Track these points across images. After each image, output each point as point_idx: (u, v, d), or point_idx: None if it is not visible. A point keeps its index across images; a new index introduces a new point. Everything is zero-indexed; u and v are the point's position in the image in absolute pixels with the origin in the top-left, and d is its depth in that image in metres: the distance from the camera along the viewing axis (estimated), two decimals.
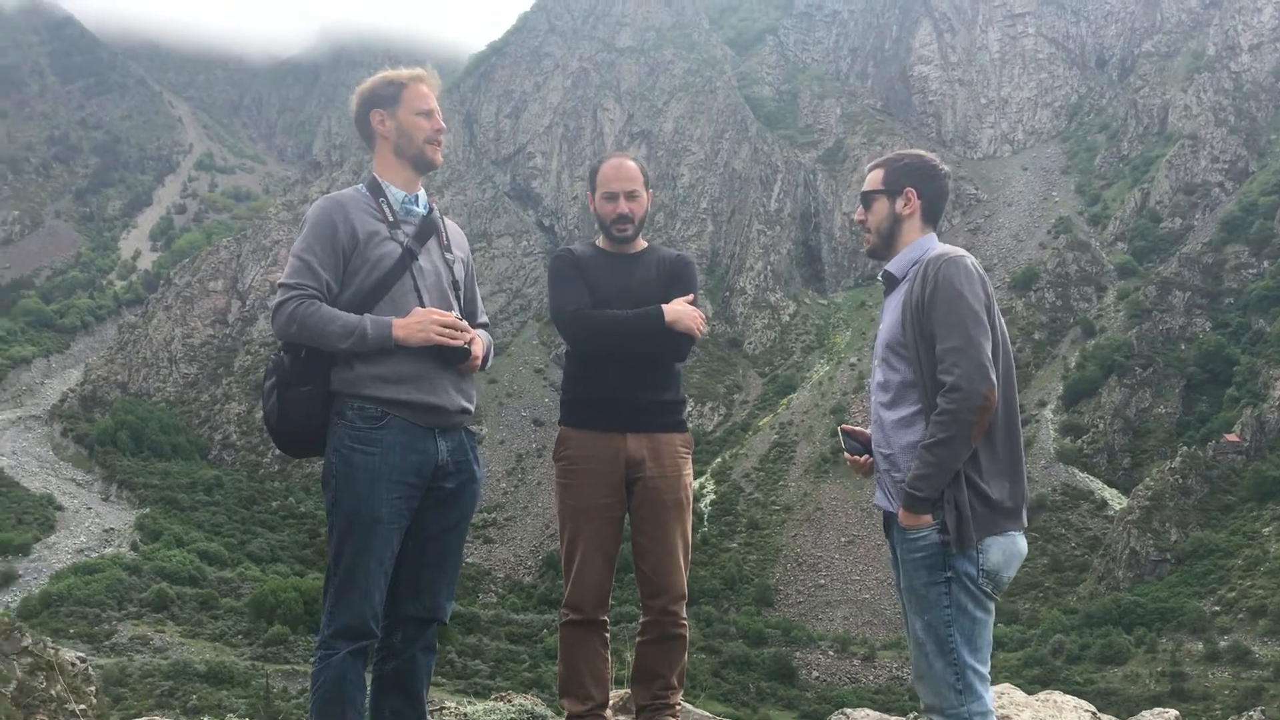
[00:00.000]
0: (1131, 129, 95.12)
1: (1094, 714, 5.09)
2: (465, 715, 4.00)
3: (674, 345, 3.91)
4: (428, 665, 3.51)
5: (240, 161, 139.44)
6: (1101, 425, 73.25)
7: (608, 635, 3.95)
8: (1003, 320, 3.30)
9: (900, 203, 3.42)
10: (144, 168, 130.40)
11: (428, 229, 3.65)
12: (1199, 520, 63.97)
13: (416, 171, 3.70)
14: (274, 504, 75.22)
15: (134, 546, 66.18)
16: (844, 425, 3.46)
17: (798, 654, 61.04)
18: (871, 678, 60.39)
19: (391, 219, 3.58)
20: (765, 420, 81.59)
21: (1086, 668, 54.33)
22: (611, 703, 4.05)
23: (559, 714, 4.25)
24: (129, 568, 61.72)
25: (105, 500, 73.53)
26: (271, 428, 3.46)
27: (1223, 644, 54.70)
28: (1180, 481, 65.11)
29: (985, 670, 3.13)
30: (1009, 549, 3.16)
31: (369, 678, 3.44)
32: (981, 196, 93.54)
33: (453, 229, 3.80)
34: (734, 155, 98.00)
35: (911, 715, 5.45)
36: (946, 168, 3.55)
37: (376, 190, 3.64)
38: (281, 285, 3.47)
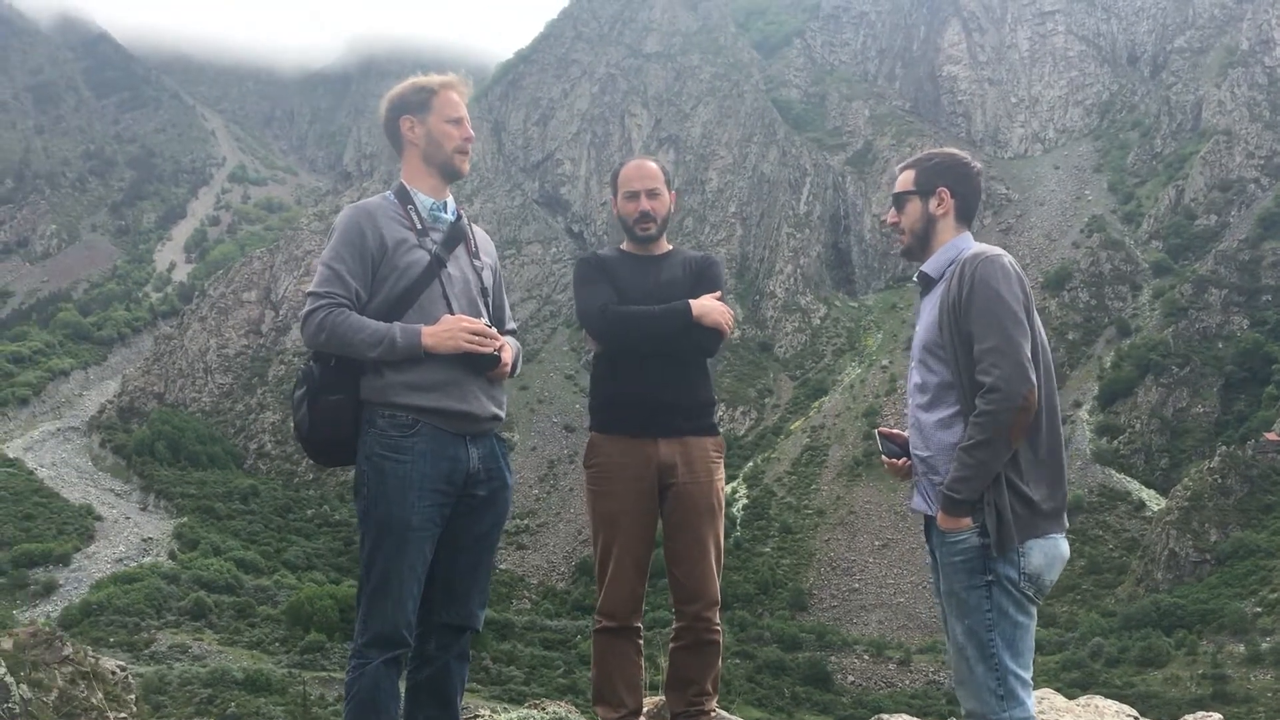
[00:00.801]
0: (1164, 126, 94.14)
1: (1136, 718, 5.01)
2: None
3: (703, 340, 3.89)
4: (462, 673, 3.50)
5: (272, 173, 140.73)
6: (1138, 425, 72.47)
7: (641, 642, 3.93)
8: (1040, 321, 3.25)
9: (934, 203, 3.38)
10: (178, 180, 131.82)
11: (456, 236, 3.64)
12: (1239, 520, 63.11)
13: (444, 179, 3.69)
14: (309, 512, 75.71)
15: (172, 555, 66.80)
16: (881, 428, 3.42)
17: (832, 658, 60.74)
18: (907, 682, 59.98)
19: (420, 226, 3.57)
20: (797, 424, 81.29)
21: (1126, 670, 53.74)
22: (645, 710, 4.02)
23: None
24: (167, 576, 62.28)
25: (143, 510, 74.29)
26: (302, 437, 3.46)
27: (1265, 645, 53.92)
28: (1219, 481, 64.28)
29: (1027, 675, 3.08)
30: (1050, 552, 3.11)
31: (403, 686, 3.43)
32: (1013, 196, 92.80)
33: (481, 236, 3.79)
34: (762, 159, 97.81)
35: None
36: (978, 165, 3.51)
37: (405, 197, 3.64)
38: (310, 294, 3.47)
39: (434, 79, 3.68)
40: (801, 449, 78.14)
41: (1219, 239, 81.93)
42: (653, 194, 4.01)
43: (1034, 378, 3.05)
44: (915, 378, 3.31)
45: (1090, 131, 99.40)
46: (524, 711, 4.11)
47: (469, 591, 3.48)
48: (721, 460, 4.02)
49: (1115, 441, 71.57)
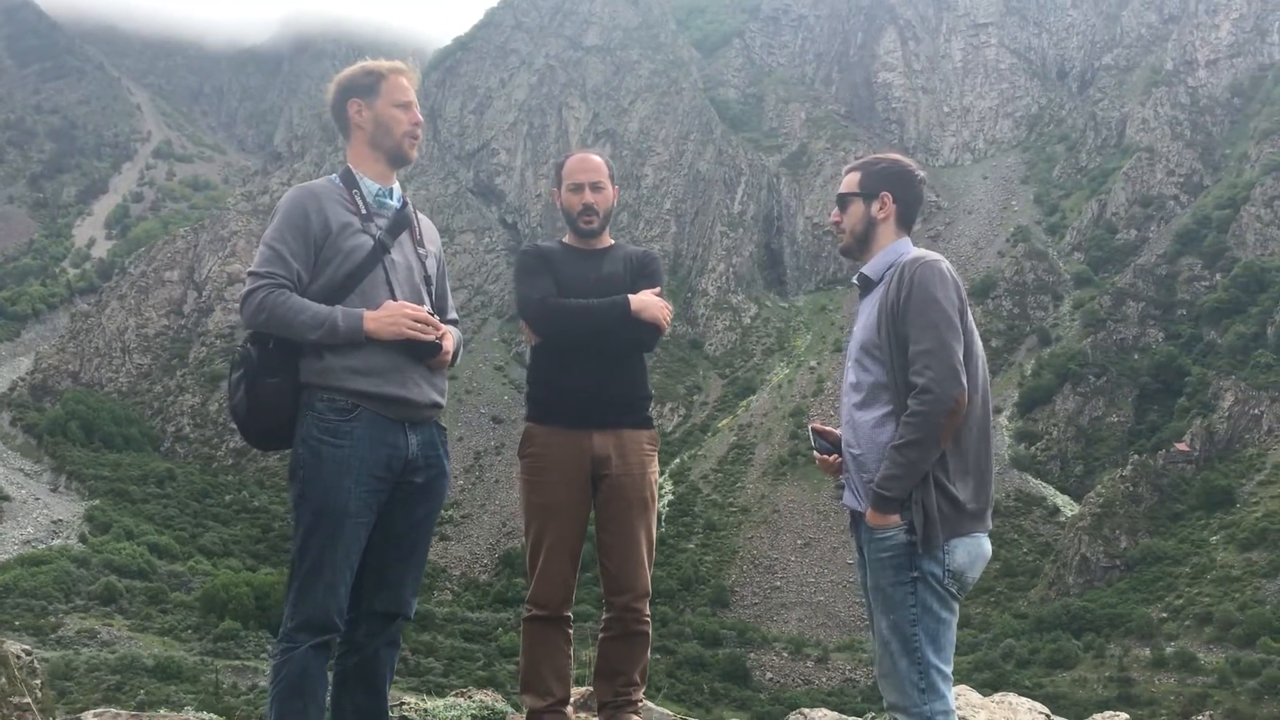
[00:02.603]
0: (1090, 140, 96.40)
1: (1047, 716, 5.15)
2: (426, 711, 3.97)
3: (641, 335, 3.92)
4: (391, 660, 3.49)
5: (199, 150, 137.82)
6: (1055, 432, 74.17)
7: (570, 632, 3.95)
8: (975, 326, 3.33)
9: (876, 206, 3.45)
10: (100, 154, 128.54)
11: (401, 223, 3.62)
12: (1148, 528, 64.93)
13: (391, 165, 3.67)
14: (227, 498, 74.43)
15: (83, 539, 65.22)
16: (814, 424, 3.48)
17: (752, 655, 61.29)
18: (825, 679, 60.75)
19: (364, 211, 3.55)
20: (725, 422, 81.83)
21: (1036, 672, 54.97)
22: (572, 699, 4.04)
23: (519, 710, 4.24)
24: (77, 560, 60.82)
25: (54, 491, 72.38)
26: (240, 421, 3.41)
27: (1169, 650, 55.53)
28: (1131, 489, 66.06)
29: (948, 670, 3.16)
30: (974, 550, 3.19)
31: (330, 673, 3.41)
32: (942, 204, 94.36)
33: (425, 224, 3.78)
34: (698, 157, 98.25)
35: (870, 716, 5.49)
36: (923, 173, 3.59)
37: (350, 181, 3.61)
38: (251, 274, 3.42)
39: (383, 64, 3.65)
40: (728, 447, 78.68)
41: (1138, 253, 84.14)
42: (596, 187, 4.03)
43: (964, 381, 3.13)
44: (851, 376, 3.38)
45: (1019, 143, 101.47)
46: (451, 700, 4.11)
47: (401, 579, 3.46)
48: (655, 454, 4.06)
49: (1033, 447, 73.17)
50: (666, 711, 4.19)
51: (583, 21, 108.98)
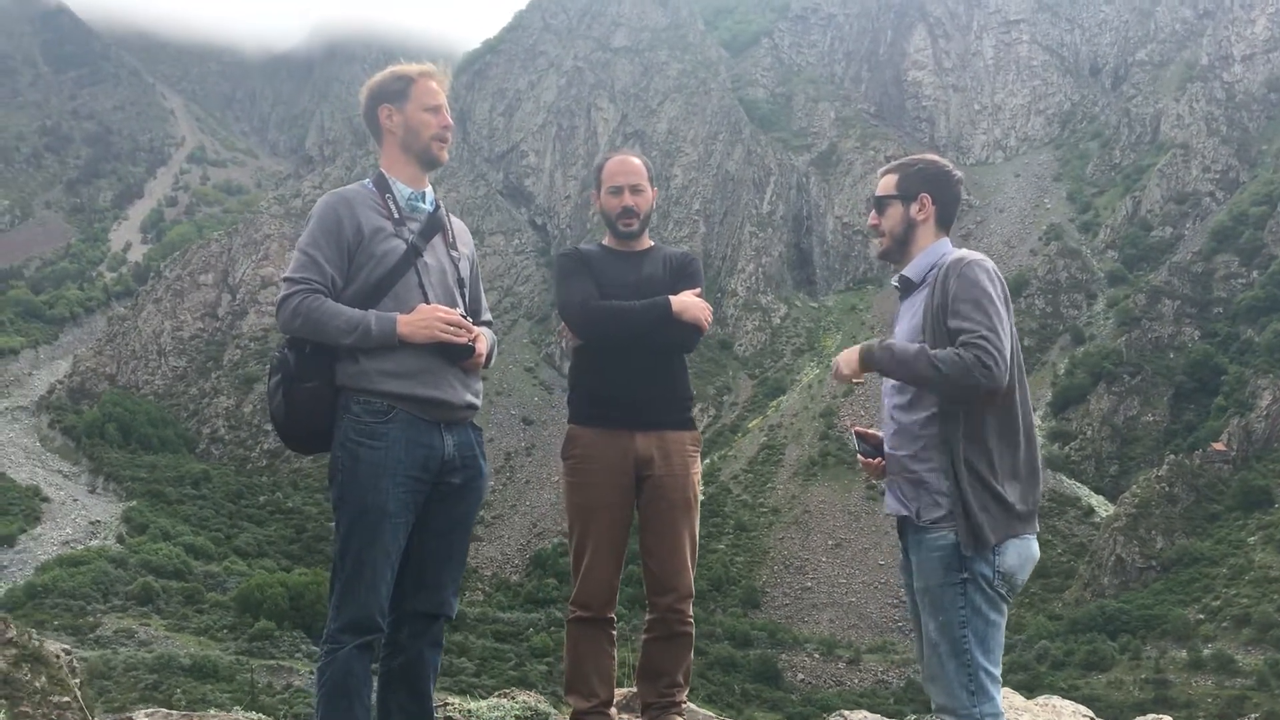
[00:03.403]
0: (1124, 137, 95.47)
1: (1091, 718, 5.11)
2: (470, 712, 3.99)
3: (682, 336, 3.93)
4: (434, 661, 3.51)
5: (232, 155, 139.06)
6: (1090, 432, 73.52)
7: (614, 633, 3.95)
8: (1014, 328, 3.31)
9: (915, 208, 3.43)
10: (135, 159, 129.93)
11: (433, 226, 3.64)
12: (1185, 529, 64.22)
13: (423, 168, 3.69)
14: (261, 499, 75.03)
15: (120, 539, 65.93)
16: (857, 427, 3.46)
17: (783, 656, 61.13)
18: (856, 681, 60.50)
19: (397, 215, 3.58)
20: (754, 422, 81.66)
21: (1071, 674, 54.53)
22: (615, 700, 4.05)
23: (561, 711, 4.25)
24: (115, 560, 61.48)
25: (92, 492, 73.26)
26: (279, 425, 3.45)
27: (1206, 652, 54.91)
28: (1167, 489, 65.35)
29: (997, 672, 3.14)
30: (1024, 552, 3.17)
31: (375, 675, 3.43)
32: (974, 202, 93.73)
33: (458, 226, 3.80)
34: (727, 157, 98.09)
35: (912, 718, 5.46)
36: (960, 173, 3.56)
37: (383, 186, 3.64)
38: (286, 279, 3.46)
39: (412, 67, 3.68)
40: (759, 447, 78.51)
41: (1173, 251, 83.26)
42: (636, 189, 4.04)
43: (1006, 373, 3.09)
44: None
45: (1051, 140, 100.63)
46: (494, 701, 4.12)
47: (441, 579, 3.48)
48: (698, 455, 4.05)
49: (1067, 447, 72.54)
50: (710, 714, 4.19)
51: (611, 23, 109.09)
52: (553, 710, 4.13)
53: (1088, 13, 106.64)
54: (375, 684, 3.42)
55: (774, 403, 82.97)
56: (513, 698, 4.19)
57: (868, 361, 3.22)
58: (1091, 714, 5.05)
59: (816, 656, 62.13)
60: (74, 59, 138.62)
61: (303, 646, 56.13)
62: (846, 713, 5.37)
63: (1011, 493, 3.15)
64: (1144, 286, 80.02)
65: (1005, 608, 3.17)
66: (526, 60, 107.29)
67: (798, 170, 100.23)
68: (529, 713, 4.02)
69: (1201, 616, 58.12)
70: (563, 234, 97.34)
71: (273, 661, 53.08)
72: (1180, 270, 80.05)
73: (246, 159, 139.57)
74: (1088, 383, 75.12)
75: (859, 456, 3.43)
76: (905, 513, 3.26)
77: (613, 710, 3.94)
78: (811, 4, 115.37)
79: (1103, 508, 68.68)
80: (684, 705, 3.99)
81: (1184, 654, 55.05)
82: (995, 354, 3.04)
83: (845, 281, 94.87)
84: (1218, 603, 58.40)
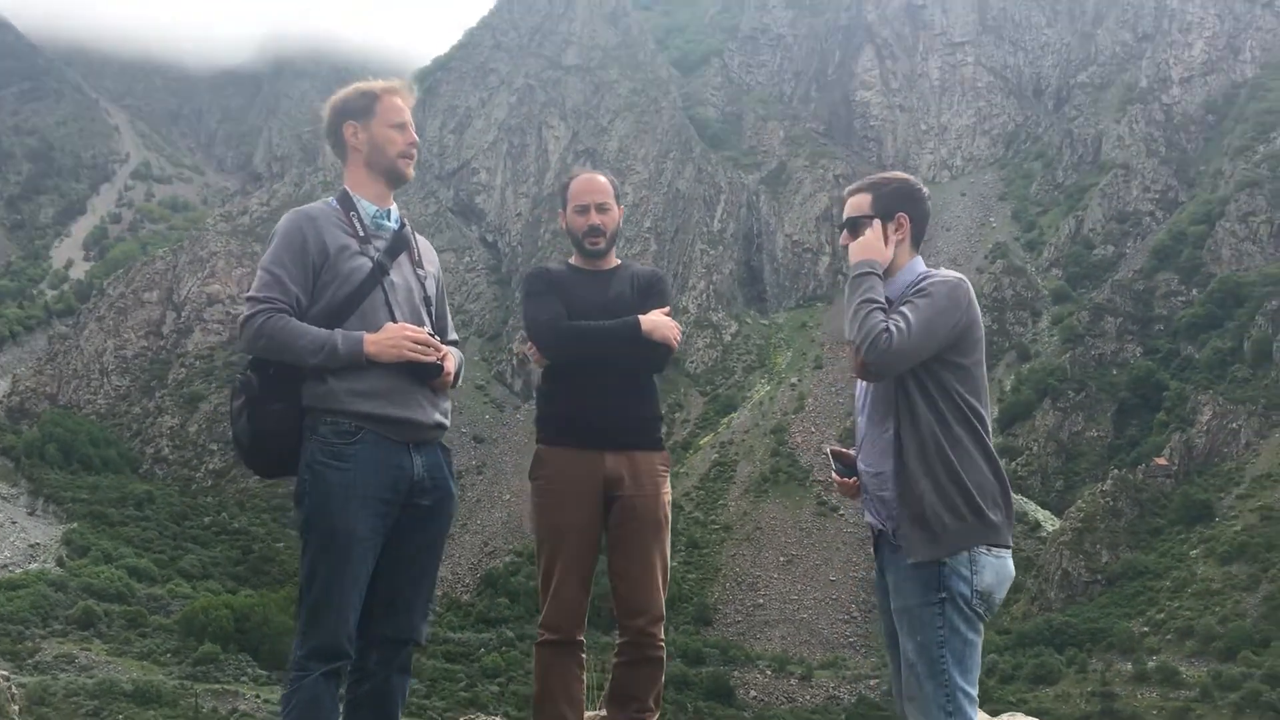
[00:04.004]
0: (1066, 157, 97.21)
1: None
2: None
3: (652, 355, 3.90)
4: (403, 688, 3.44)
5: (178, 171, 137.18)
6: (1035, 448, 74.51)
7: (584, 656, 3.90)
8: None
9: (892, 227, 3.41)
10: (78, 176, 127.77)
11: (399, 244, 3.60)
12: (1129, 542, 65.22)
13: (389, 185, 3.65)
14: (206, 520, 73.82)
15: (60, 562, 64.52)
16: (832, 446, 3.45)
17: (735, 673, 61.14)
18: (808, 697, 60.66)
19: (362, 233, 3.53)
20: (706, 439, 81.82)
21: (1019, 688, 55.06)
22: None
23: None
24: (54, 584, 60.18)
25: (31, 514, 71.61)
26: (243, 449, 3.37)
27: (1151, 664, 55.73)
28: (1111, 504, 66.37)
29: (974, 692, 3.13)
30: (1001, 571, 3.17)
31: (342, 700, 3.35)
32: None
33: (424, 245, 3.76)
34: (678, 175, 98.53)
35: None
36: (928, 190, 3.57)
37: (347, 204, 3.58)
38: (249, 299, 3.39)
39: (377, 84, 3.64)
40: (710, 464, 78.65)
41: (1115, 269, 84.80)
42: (602, 208, 4.02)
43: (901, 366, 3.07)
44: (868, 394, 3.35)
45: (996, 160, 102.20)
46: None
47: (411, 604, 3.41)
48: (668, 475, 4.02)
49: (1013, 463, 73.40)
50: None
51: (562, 41, 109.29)
52: None
53: (1030, 35, 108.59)
54: (341, 711, 3.33)
55: (725, 420, 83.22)
56: None
57: (853, 270, 3.25)
58: None
59: (769, 673, 62.24)
60: (15, 74, 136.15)
61: (249, 670, 55.29)
62: None
63: (991, 508, 3.15)
64: (1087, 304, 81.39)
65: (981, 627, 3.16)
66: (477, 78, 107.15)
67: (748, 188, 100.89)
68: None
69: (1146, 629, 58.98)
70: (514, 251, 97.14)
71: (218, 686, 52.27)
72: (1122, 288, 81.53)
73: (193, 175, 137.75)
74: (1033, 399, 76.17)
75: (834, 476, 3.41)
76: (883, 526, 3.25)
77: None
78: (761, 24, 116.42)
79: (1049, 522, 69.56)
80: None
81: (1129, 666, 55.82)
82: (896, 344, 3.04)
83: (795, 299, 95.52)
84: (1161, 615, 59.32)
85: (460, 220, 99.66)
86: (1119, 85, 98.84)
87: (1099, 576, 62.98)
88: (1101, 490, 66.94)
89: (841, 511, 73.24)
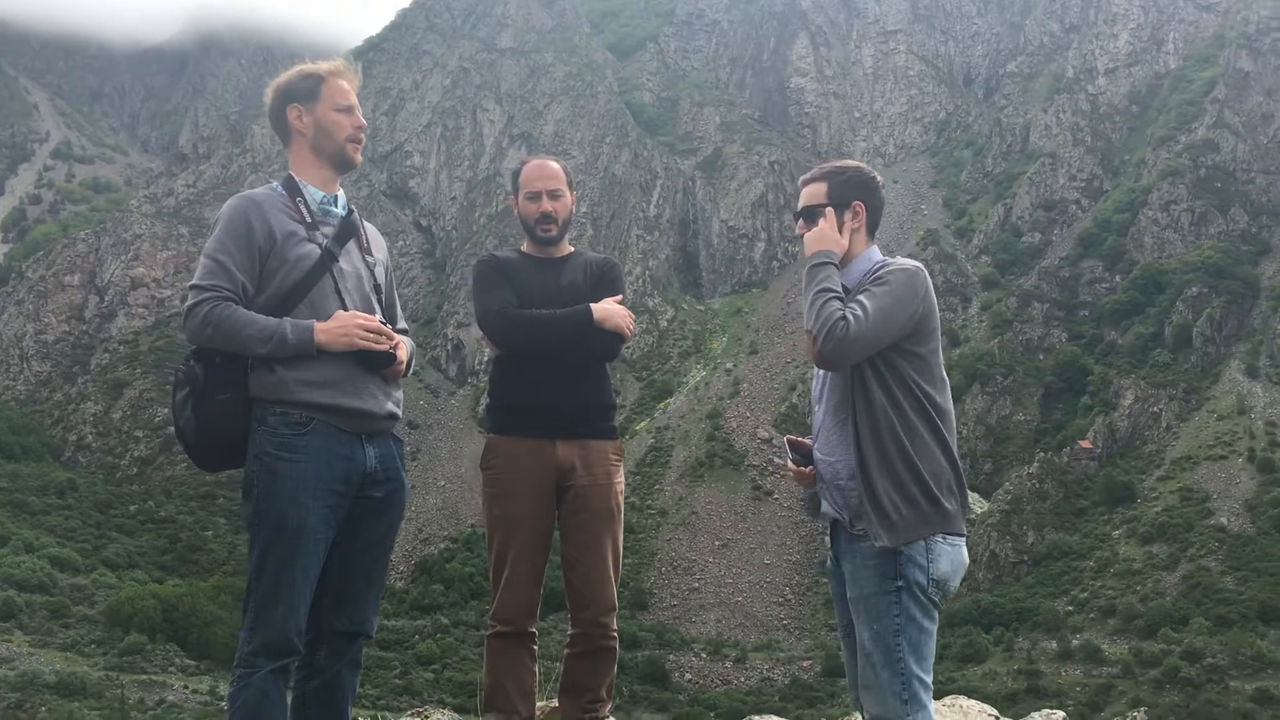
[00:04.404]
0: (996, 146, 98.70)
1: (996, 717, 5.21)
2: None
3: (604, 344, 3.87)
4: (353, 682, 3.37)
5: (100, 151, 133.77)
6: (965, 431, 75.69)
7: (535, 648, 3.86)
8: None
9: (848, 215, 3.41)
10: None
11: (347, 230, 3.52)
12: (1054, 524, 66.67)
13: (335, 171, 3.57)
14: (132, 508, 72.31)
15: None
16: (789, 436, 3.44)
17: (671, 657, 61.46)
18: (743, 679, 61.19)
19: (309, 219, 3.44)
20: (642, 425, 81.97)
21: (947, 666, 56.01)
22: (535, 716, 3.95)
23: None
24: None
25: None
26: (188, 442, 3.26)
27: (1075, 642, 57.08)
28: (1037, 486, 67.77)
29: (929, 679, 3.16)
30: (956, 559, 3.19)
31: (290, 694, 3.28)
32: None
33: (372, 232, 3.69)
34: (614, 160, 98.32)
35: None
36: (882, 178, 3.57)
37: (293, 190, 3.49)
38: (194, 287, 3.29)
39: (321, 65, 3.56)
40: (646, 449, 78.82)
41: (1042, 256, 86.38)
42: (555, 194, 3.96)
43: (857, 357, 3.07)
44: (825, 384, 3.34)
45: (928, 149, 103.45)
46: (408, 719, 3.99)
47: (363, 597, 3.34)
48: (621, 463, 3.99)
49: None
50: None
51: (496, 24, 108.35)
52: None
53: (961, 25, 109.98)
54: (289, 706, 3.26)
55: (661, 405, 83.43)
56: (426, 715, 4.06)
57: (809, 259, 3.24)
58: (996, 712, 5.16)
59: (704, 656, 62.66)
60: None
61: (177, 660, 54.41)
62: (757, 717, 5.39)
63: (945, 495, 3.17)
64: (1015, 290, 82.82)
65: (937, 615, 3.19)
66: (410, 59, 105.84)
67: (684, 174, 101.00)
68: None
69: (1070, 608, 60.39)
70: (448, 236, 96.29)
71: (145, 677, 51.36)
72: (1049, 275, 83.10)
73: (115, 155, 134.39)
74: (963, 384, 77.35)
75: (790, 465, 3.40)
76: (838, 517, 3.25)
77: None
78: (696, 10, 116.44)
79: (978, 505, 70.78)
80: None
81: (1054, 645, 57.11)
82: (854, 332, 3.04)
83: (731, 284, 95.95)
84: (1085, 595, 60.77)
85: (394, 204, 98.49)
86: (1047, 75, 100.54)
87: (1025, 557, 64.33)
88: (1028, 473, 68.32)
89: (776, 496, 73.92)
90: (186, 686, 51.29)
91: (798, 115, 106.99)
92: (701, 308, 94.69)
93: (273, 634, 3.13)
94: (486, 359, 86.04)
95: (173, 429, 3.38)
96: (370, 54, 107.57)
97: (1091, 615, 59.39)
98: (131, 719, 45.41)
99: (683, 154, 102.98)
